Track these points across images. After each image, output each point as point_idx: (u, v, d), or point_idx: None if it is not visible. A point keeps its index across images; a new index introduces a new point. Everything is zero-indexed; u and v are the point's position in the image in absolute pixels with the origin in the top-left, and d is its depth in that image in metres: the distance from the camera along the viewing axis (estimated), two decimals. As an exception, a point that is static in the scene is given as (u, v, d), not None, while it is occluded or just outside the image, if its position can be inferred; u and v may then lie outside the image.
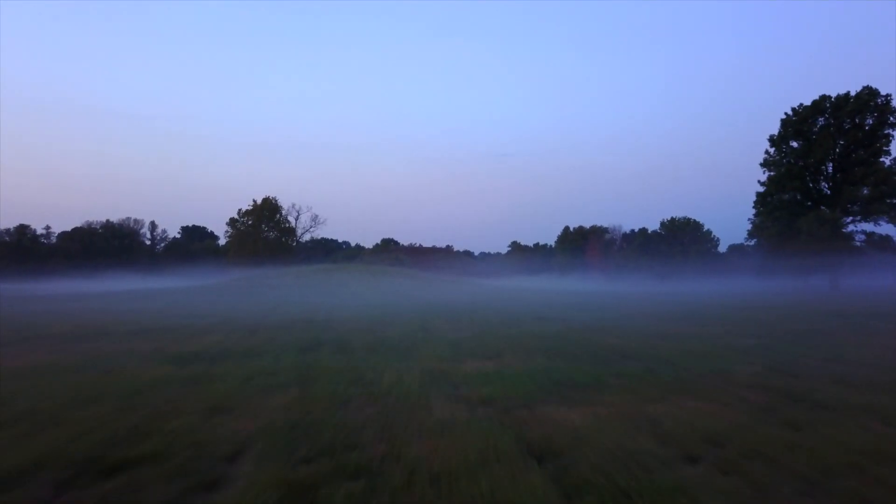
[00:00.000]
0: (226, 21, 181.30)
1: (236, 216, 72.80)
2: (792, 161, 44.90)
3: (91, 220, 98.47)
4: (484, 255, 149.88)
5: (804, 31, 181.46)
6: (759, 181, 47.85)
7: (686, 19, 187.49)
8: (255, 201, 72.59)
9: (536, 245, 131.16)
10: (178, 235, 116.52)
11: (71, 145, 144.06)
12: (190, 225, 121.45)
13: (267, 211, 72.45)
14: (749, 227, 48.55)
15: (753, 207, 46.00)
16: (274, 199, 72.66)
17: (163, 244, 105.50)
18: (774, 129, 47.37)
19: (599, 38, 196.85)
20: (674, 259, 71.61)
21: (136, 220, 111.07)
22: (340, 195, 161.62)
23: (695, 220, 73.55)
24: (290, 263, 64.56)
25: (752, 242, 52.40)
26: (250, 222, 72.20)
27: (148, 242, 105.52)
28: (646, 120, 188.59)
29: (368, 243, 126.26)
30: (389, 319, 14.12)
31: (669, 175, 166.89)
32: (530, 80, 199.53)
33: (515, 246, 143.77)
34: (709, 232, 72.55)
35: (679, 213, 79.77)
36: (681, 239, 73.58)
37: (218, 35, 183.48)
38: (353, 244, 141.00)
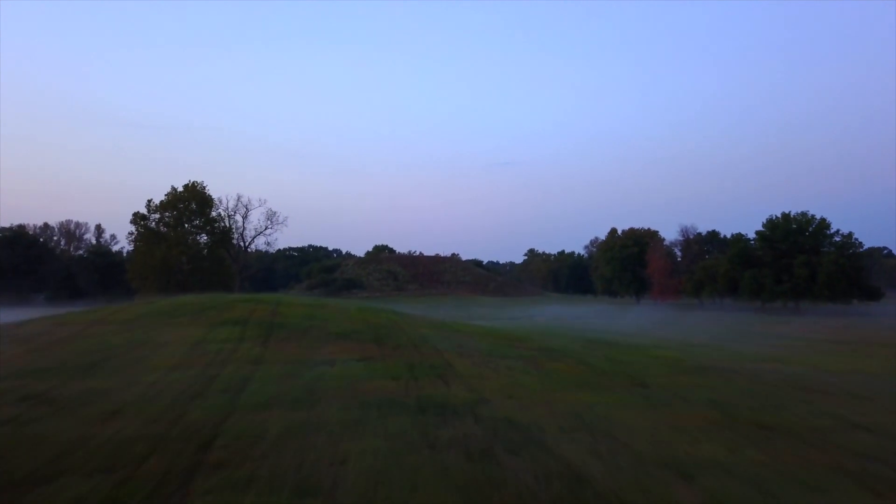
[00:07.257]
0: (224, 19, 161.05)
1: (145, 211, 48.72)
2: None
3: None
4: (494, 265, 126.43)
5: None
6: None
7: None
8: (174, 188, 48.73)
9: (561, 253, 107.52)
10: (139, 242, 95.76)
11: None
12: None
13: (195, 203, 48.60)
14: None
15: None
16: (202, 185, 48.81)
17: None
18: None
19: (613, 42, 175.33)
20: (795, 274, 48.31)
21: (77, 224, 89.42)
22: (336, 200, 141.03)
23: (822, 217, 50.33)
24: (219, 288, 41.67)
25: None
26: (169, 218, 48.35)
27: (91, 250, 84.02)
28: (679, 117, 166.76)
29: (360, 251, 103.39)
30: None
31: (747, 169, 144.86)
32: (553, 82, 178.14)
33: (533, 254, 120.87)
34: (849, 234, 49.05)
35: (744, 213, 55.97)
36: (801, 244, 50.31)
37: (214, 34, 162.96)
38: (343, 252, 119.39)
